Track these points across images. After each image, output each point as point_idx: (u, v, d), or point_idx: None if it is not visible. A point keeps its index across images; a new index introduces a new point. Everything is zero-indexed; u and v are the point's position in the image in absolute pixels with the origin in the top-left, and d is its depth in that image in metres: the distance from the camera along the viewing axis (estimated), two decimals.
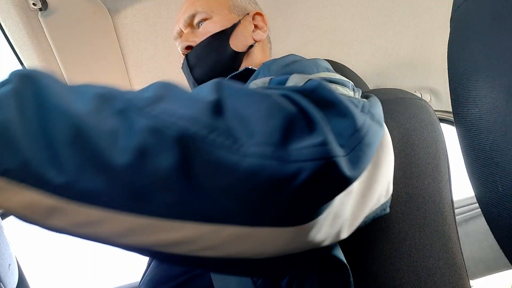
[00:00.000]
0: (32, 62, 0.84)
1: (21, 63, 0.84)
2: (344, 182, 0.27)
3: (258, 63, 0.68)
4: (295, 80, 0.36)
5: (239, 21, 0.68)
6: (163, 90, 0.28)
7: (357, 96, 0.43)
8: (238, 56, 0.66)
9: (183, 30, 0.70)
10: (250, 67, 0.61)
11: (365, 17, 1.06)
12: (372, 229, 0.55)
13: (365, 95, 0.45)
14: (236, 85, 0.30)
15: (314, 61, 0.49)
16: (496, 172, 0.35)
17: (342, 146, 0.27)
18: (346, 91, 0.42)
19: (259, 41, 0.70)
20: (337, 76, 0.44)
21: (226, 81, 0.30)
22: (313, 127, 0.26)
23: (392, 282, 0.54)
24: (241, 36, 0.68)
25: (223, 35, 0.66)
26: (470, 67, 0.36)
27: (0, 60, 0.91)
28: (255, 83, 0.41)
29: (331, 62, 0.80)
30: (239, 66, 0.67)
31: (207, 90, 0.29)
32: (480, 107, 0.35)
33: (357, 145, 0.28)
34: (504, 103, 0.32)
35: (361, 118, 0.30)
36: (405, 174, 0.58)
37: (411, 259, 0.54)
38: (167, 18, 0.88)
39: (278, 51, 1.11)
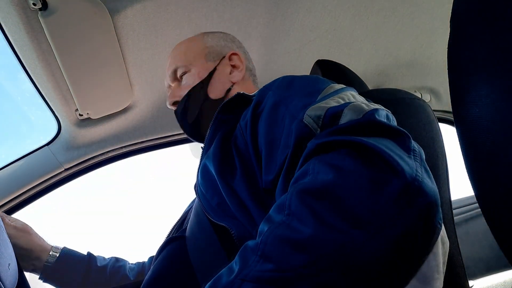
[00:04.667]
0: (32, 62, 0.83)
1: (21, 63, 0.84)
2: (433, 192, 0.32)
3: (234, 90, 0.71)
4: (350, 116, 0.40)
5: (215, 68, 0.72)
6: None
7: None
8: (217, 103, 0.67)
9: (171, 85, 0.75)
10: (242, 92, 0.64)
11: (365, 17, 1.05)
12: None
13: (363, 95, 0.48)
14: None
15: (315, 76, 0.53)
16: (496, 172, 0.35)
17: (414, 160, 0.33)
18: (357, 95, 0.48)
19: (236, 82, 0.73)
20: (342, 85, 0.50)
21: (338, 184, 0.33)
22: (395, 170, 0.31)
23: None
24: (218, 83, 0.71)
25: (201, 86, 0.70)
26: (470, 67, 0.36)
27: (0, 60, 0.91)
28: (309, 116, 0.42)
29: (331, 62, 0.80)
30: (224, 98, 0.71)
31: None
32: (480, 107, 0.35)
33: (420, 155, 0.35)
34: (504, 103, 0.32)
35: (405, 132, 0.37)
36: None
37: None
38: (167, 18, 0.88)
39: (279, 51, 1.11)
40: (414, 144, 0.36)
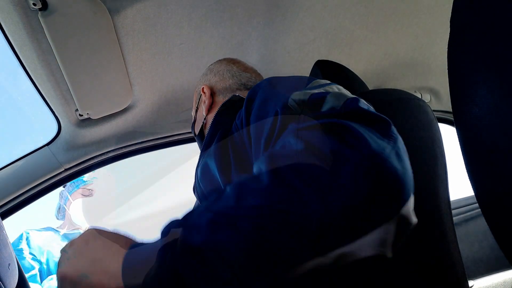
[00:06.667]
0: (32, 62, 0.83)
1: (21, 63, 0.84)
2: (394, 170, 0.33)
3: (213, 111, 0.76)
4: (331, 102, 0.41)
5: (197, 108, 0.82)
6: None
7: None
8: (200, 136, 0.80)
9: None
10: (237, 94, 0.69)
11: (365, 17, 1.05)
12: None
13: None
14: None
15: (301, 76, 0.55)
16: (496, 172, 0.35)
17: (388, 143, 0.34)
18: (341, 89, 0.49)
19: (208, 114, 0.78)
20: (327, 81, 0.51)
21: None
22: (361, 145, 0.33)
23: (389, 282, 0.54)
24: (198, 119, 0.81)
25: (192, 127, 0.84)
26: (470, 67, 0.36)
27: (0, 60, 0.91)
28: (293, 99, 0.44)
29: (331, 62, 0.80)
30: (204, 133, 0.79)
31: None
32: (480, 107, 0.35)
33: (396, 141, 0.35)
34: (504, 102, 0.32)
35: (386, 118, 0.38)
36: None
37: (408, 259, 0.54)
38: (167, 18, 0.88)
39: (279, 51, 1.11)
40: (394, 131, 0.37)
